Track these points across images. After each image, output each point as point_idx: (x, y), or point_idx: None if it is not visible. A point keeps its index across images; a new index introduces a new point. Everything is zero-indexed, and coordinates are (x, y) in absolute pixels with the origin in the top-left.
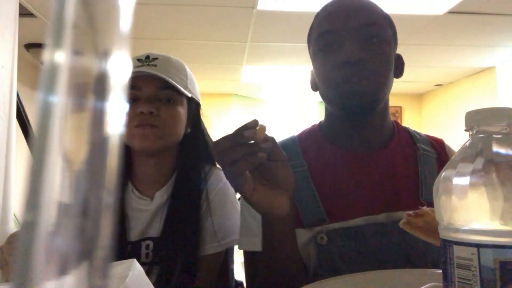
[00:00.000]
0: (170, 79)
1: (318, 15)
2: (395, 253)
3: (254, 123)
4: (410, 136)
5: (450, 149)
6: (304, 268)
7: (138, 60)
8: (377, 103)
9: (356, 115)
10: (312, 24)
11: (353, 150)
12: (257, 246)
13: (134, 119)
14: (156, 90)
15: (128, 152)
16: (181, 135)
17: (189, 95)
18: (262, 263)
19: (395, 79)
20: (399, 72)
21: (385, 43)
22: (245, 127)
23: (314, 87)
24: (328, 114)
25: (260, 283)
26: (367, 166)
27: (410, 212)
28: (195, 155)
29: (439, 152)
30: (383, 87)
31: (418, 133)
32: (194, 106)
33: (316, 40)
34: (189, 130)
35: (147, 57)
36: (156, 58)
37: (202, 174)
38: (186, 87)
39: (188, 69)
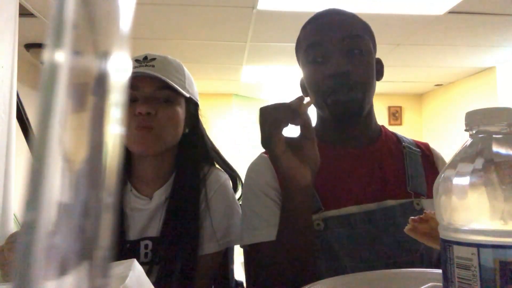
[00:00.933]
0: (167, 79)
1: (305, 28)
2: (385, 238)
3: (301, 97)
4: (396, 138)
5: (435, 150)
6: (314, 262)
7: (136, 60)
8: (362, 109)
9: (344, 121)
10: (299, 37)
11: (343, 147)
12: (259, 238)
13: (132, 120)
14: (154, 91)
15: (127, 152)
16: (179, 136)
17: (187, 95)
18: (274, 252)
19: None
20: (380, 75)
21: (367, 53)
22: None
23: (305, 93)
24: (319, 117)
25: (266, 277)
26: (357, 160)
27: (415, 217)
28: (194, 155)
29: (423, 151)
30: (367, 94)
31: (404, 137)
32: (192, 106)
33: (305, 52)
34: (187, 130)
35: (145, 57)
36: (154, 59)
37: (201, 174)
38: (184, 87)
39: (186, 70)
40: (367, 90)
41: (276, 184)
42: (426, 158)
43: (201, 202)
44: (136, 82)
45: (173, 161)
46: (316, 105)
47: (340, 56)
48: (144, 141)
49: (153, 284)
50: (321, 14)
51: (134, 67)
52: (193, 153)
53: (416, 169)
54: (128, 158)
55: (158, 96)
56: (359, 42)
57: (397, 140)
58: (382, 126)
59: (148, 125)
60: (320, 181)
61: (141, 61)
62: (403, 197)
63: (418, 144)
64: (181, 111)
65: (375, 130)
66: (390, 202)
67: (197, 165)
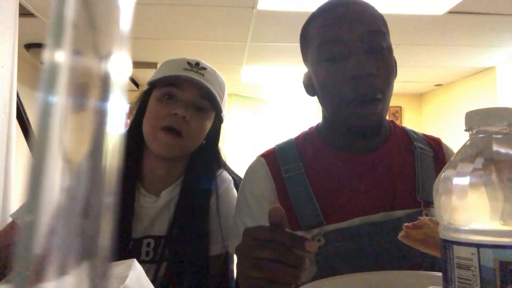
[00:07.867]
0: (214, 90)
1: (314, 21)
2: (391, 251)
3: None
4: (406, 135)
5: (447, 148)
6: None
7: (188, 63)
8: (382, 121)
9: (360, 133)
10: (308, 31)
11: (349, 151)
12: None
13: (165, 118)
14: (196, 97)
15: (138, 149)
16: (198, 146)
17: (223, 112)
18: None
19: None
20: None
21: (388, 51)
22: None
23: (311, 92)
24: (324, 117)
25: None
26: (363, 166)
27: (409, 224)
28: (206, 162)
29: (436, 150)
30: (388, 103)
31: (415, 132)
32: (218, 122)
33: (318, 49)
34: (204, 142)
35: (197, 64)
36: (205, 68)
37: (211, 175)
38: (221, 103)
39: (226, 89)
40: (388, 98)
41: (271, 194)
42: (438, 159)
43: (211, 204)
44: (182, 83)
45: (184, 165)
46: (330, 110)
47: (362, 54)
48: (168, 145)
49: (160, 283)
50: (334, 3)
51: (184, 69)
52: (206, 160)
53: (427, 173)
54: (138, 155)
55: (197, 104)
56: (381, 38)
57: (407, 138)
58: (391, 121)
59: (178, 129)
60: (322, 192)
61: (193, 66)
62: (412, 207)
63: (429, 142)
64: (209, 124)
65: (384, 131)
66: (398, 213)
67: (208, 169)
